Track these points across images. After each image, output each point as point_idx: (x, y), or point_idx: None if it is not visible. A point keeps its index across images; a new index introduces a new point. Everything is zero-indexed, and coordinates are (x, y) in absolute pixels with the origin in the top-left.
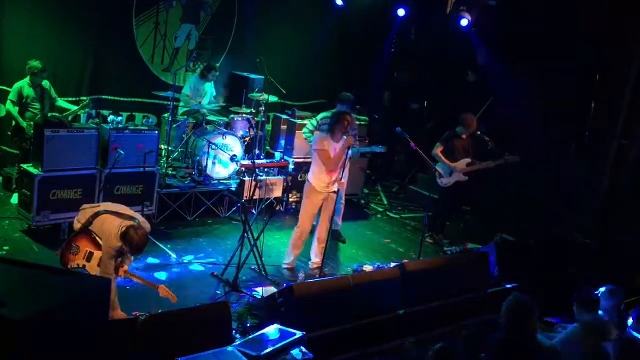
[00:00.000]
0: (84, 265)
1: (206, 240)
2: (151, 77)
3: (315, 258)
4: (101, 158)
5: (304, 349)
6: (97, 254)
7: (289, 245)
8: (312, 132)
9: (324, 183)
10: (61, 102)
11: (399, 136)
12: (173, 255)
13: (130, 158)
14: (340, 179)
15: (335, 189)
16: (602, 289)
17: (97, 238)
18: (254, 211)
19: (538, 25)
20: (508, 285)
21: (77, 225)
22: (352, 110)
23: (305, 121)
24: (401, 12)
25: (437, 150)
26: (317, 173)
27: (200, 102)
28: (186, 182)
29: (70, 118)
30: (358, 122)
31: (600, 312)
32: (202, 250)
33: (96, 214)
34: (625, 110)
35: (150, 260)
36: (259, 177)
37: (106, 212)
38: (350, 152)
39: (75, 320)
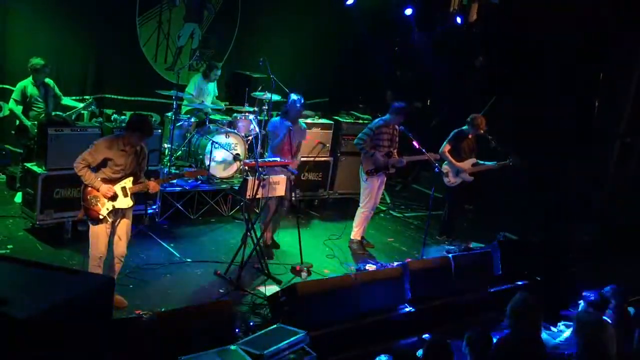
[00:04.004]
0: (113, 206)
1: (209, 239)
2: (154, 76)
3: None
4: None
5: (307, 348)
6: (117, 185)
7: (268, 224)
8: (366, 142)
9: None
10: (67, 101)
11: (402, 135)
12: (176, 254)
13: None
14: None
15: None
16: (605, 289)
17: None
18: (257, 210)
19: (541, 23)
20: (520, 283)
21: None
22: (406, 120)
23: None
24: (409, 11)
25: (445, 149)
26: (271, 155)
27: (203, 102)
28: (189, 181)
29: (73, 117)
30: (362, 122)
31: (609, 311)
32: (206, 249)
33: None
34: (628, 109)
35: (154, 259)
36: (263, 176)
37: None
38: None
39: (78, 319)
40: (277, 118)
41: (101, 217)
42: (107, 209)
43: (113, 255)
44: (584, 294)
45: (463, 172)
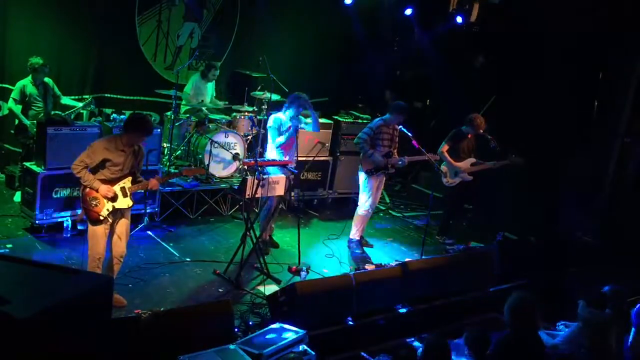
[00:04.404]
0: (113, 207)
1: (208, 238)
2: (154, 75)
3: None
4: None
5: (306, 348)
6: (116, 185)
7: (269, 222)
8: (367, 142)
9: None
10: (66, 100)
11: (402, 135)
12: (175, 254)
13: None
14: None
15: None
16: (605, 289)
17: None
18: (256, 209)
19: (541, 24)
20: (520, 282)
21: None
22: (406, 120)
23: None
24: (408, 11)
25: (443, 149)
26: (273, 152)
27: (202, 101)
28: (189, 181)
29: (73, 116)
30: (361, 121)
31: (607, 310)
32: (205, 248)
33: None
34: (628, 109)
35: (153, 258)
36: (263, 175)
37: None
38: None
39: (77, 319)
40: (280, 114)
41: (101, 218)
42: (107, 210)
43: (112, 255)
44: (583, 293)
45: (462, 172)
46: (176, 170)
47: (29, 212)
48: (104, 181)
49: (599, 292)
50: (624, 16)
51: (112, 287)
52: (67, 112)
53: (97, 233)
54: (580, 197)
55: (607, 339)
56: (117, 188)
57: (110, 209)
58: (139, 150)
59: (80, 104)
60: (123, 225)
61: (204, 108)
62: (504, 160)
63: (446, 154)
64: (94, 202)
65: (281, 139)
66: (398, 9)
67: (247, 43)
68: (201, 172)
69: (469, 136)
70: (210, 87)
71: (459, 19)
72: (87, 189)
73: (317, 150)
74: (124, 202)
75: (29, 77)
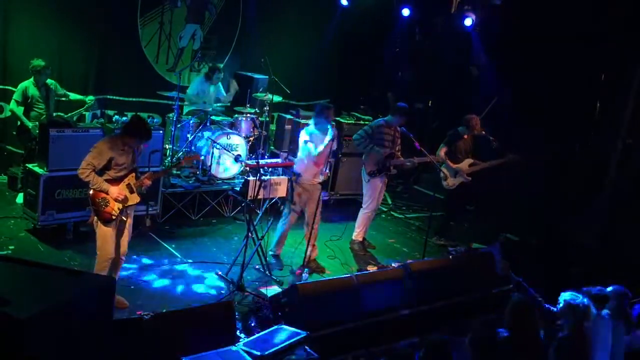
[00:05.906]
0: (123, 204)
1: (210, 240)
2: (156, 77)
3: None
4: None
5: (308, 349)
6: (122, 184)
7: (282, 234)
8: (365, 138)
9: (310, 175)
10: (74, 96)
11: (404, 136)
12: (178, 255)
13: None
14: (325, 170)
15: (320, 180)
16: (607, 290)
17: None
18: (258, 211)
19: (543, 25)
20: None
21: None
22: (406, 122)
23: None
24: (406, 12)
25: (441, 152)
26: (305, 165)
27: (204, 103)
28: (190, 182)
29: (75, 118)
30: (363, 122)
31: (606, 310)
32: (207, 250)
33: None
34: (630, 110)
35: (155, 260)
36: (263, 177)
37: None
38: (334, 145)
39: (79, 319)
40: (309, 128)
41: (114, 217)
42: (119, 208)
43: (119, 254)
44: (583, 289)
45: (461, 172)
46: (175, 171)
47: (31, 214)
48: (110, 181)
49: (600, 290)
50: (625, 16)
51: (114, 288)
52: (69, 114)
53: (108, 233)
54: (581, 198)
55: (585, 326)
56: (123, 186)
57: (121, 207)
58: (137, 147)
59: (84, 105)
60: (126, 223)
61: (207, 109)
62: (501, 158)
63: (444, 156)
64: (104, 202)
65: (320, 148)
66: (400, 10)
67: (248, 45)
68: (197, 158)
69: (465, 137)
70: (213, 89)
71: (469, 22)
72: (94, 191)
73: None
74: (133, 198)
75: (31, 79)
